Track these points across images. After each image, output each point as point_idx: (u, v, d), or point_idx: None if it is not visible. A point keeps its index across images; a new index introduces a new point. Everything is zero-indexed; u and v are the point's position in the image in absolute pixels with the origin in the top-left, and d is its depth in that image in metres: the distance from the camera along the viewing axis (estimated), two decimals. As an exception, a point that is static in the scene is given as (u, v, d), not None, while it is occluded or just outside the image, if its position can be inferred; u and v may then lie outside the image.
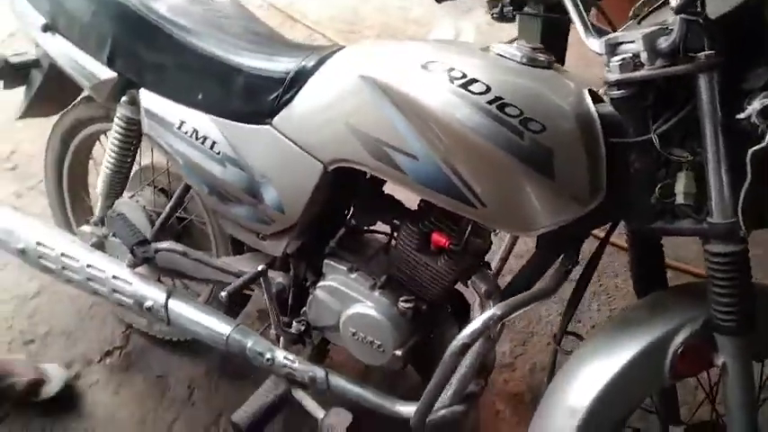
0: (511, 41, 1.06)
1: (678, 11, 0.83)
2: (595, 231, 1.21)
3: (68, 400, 1.72)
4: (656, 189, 0.94)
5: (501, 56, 1.03)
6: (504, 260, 1.42)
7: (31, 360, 1.80)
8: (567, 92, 0.98)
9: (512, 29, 1.27)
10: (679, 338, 0.97)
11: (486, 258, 1.26)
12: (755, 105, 0.82)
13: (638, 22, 1.00)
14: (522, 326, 1.96)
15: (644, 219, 0.97)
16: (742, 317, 0.92)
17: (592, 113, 0.96)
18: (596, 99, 1.00)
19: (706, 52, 0.85)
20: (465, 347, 1.06)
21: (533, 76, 1.00)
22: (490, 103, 0.96)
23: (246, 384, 1.44)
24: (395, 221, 1.29)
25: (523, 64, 1.02)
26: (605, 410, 1.00)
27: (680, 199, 0.92)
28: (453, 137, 0.99)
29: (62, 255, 1.55)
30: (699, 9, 0.82)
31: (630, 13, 1.02)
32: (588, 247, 1.19)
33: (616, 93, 0.93)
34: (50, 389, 1.70)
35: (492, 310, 1.05)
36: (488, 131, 0.96)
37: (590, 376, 1.01)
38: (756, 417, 0.97)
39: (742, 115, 0.83)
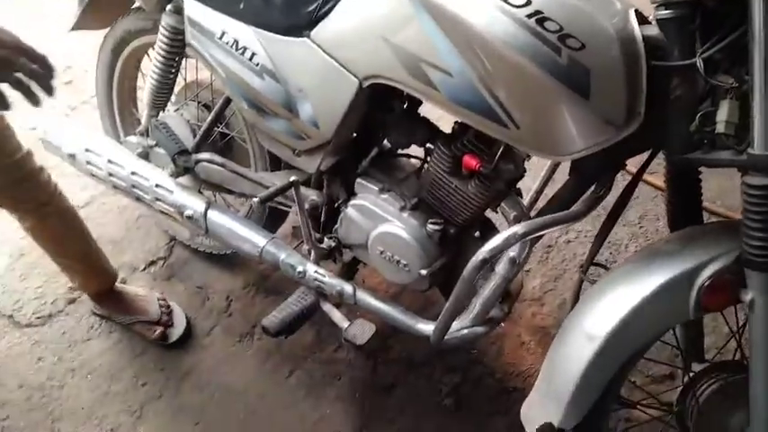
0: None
1: None
2: (630, 168, 1.18)
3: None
4: (697, 117, 0.90)
5: (546, -30, 0.99)
6: (538, 193, 1.39)
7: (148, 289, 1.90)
8: (612, 11, 0.94)
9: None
10: (707, 271, 0.94)
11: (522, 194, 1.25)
12: None
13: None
14: (556, 263, 1.94)
15: (682, 148, 0.93)
16: None
17: (635, 34, 0.92)
18: (643, 21, 0.95)
19: (763, -31, 0.79)
20: (484, 262, 1.06)
21: (577, -8, 0.96)
22: (529, 16, 0.92)
23: (281, 299, 1.50)
24: (428, 145, 1.28)
25: (569, -20, 0.97)
26: (624, 339, 0.99)
27: (720, 128, 0.88)
28: (489, 51, 0.96)
29: (109, 161, 1.60)
30: None
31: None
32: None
33: (663, 13, 0.89)
34: (175, 333, 1.78)
35: (514, 228, 1.04)
36: (525, 46, 0.93)
37: (612, 304, 1.00)
38: None
39: None
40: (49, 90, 1.04)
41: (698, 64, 0.87)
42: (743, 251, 0.92)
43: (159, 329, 1.75)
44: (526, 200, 1.37)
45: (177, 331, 1.78)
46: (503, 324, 1.74)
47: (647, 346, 1.05)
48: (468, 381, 1.65)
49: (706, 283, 0.94)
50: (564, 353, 1.05)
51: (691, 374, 1.16)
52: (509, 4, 0.94)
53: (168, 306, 1.81)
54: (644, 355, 1.07)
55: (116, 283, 1.80)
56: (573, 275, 1.90)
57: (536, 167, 1.50)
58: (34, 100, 1.03)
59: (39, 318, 1.85)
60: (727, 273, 0.94)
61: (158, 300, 1.80)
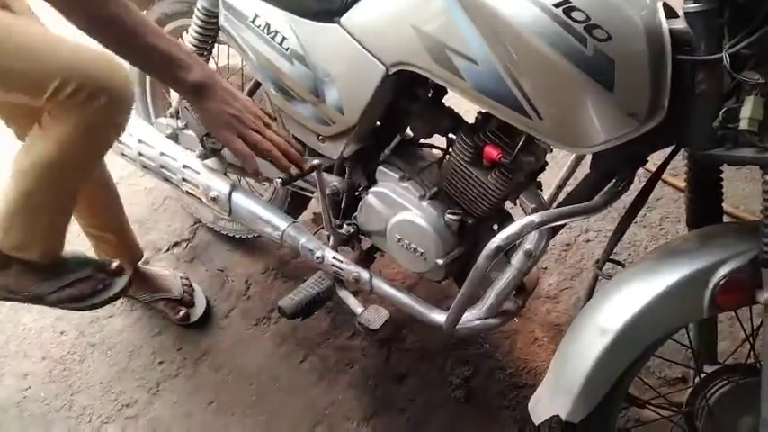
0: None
1: None
2: (649, 166, 1.18)
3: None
4: (721, 113, 0.89)
5: (576, -39, 0.99)
6: (560, 187, 1.39)
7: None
8: (640, 3, 0.93)
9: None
10: (723, 270, 0.93)
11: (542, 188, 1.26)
12: None
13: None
14: (574, 261, 1.94)
15: (704, 144, 0.93)
16: None
17: (663, 27, 0.91)
18: (671, 14, 0.95)
19: (794, -36, 0.79)
20: (498, 250, 1.07)
21: (606, -18, 0.96)
22: (557, 5, 0.92)
23: (299, 285, 1.53)
24: (451, 135, 1.29)
25: (599, -30, 0.97)
26: (637, 334, 0.99)
27: (744, 124, 0.87)
28: (516, 40, 0.97)
29: (139, 141, 1.64)
30: None
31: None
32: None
33: (692, 6, 0.88)
34: (195, 313, 1.82)
35: (531, 216, 1.05)
36: (551, 35, 0.93)
37: (625, 299, 1.00)
38: None
39: None
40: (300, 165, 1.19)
41: (724, 59, 0.86)
42: (760, 251, 0.91)
43: (183, 310, 1.79)
44: (547, 194, 1.37)
45: (198, 311, 1.82)
46: (516, 319, 1.75)
47: (660, 343, 1.04)
48: (479, 374, 1.66)
49: (721, 282, 0.94)
50: (575, 346, 1.05)
51: (702, 375, 1.15)
52: (537, -8, 0.95)
53: (191, 285, 1.84)
54: (655, 352, 1.07)
55: (139, 264, 1.82)
56: (590, 274, 1.88)
57: (559, 162, 1.50)
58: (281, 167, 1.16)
59: None
60: (743, 272, 0.93)
61: (181, 279, 1.84)
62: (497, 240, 1.06)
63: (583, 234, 2.01)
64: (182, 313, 1.78)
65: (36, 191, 1.30)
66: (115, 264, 1.52)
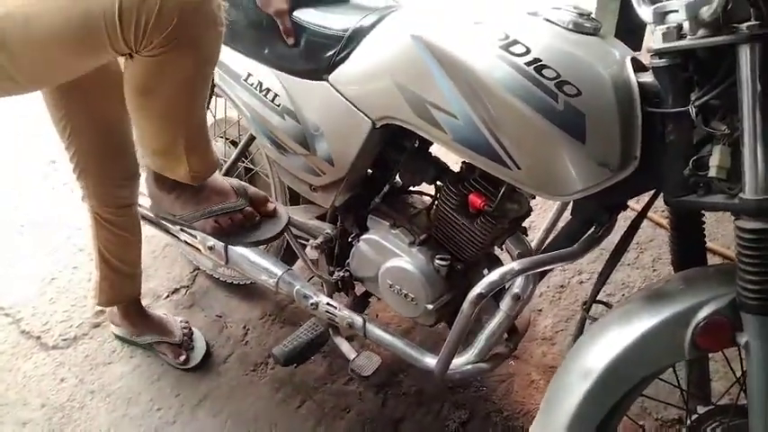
0: (558, 7, 1.07)
1: None
2: (634, 205, 1.21)
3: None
4: (691, 161, 0.93)
5: (548, 20, 1.05)
6: (548, 231, 1.42)
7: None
8: (608, 59, 0.99)
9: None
10: (703, 312, 0.95)
11: (531, 234, 1.29)
12: None
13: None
14: (568, 303, 1.96)
15: (677, 191, 0.96)
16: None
17: (631, 82, 0.96)
18: (641, 68, 1.00)
19: (749, 23, 0.83)
20: (480, 297, 1.10)
21: (576, 41, 1.01)
22: (528, 64, 0.98)
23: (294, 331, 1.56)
24: (438, 183, 1.33)
25: (569, 29, 1.02)
26: (619, 375, 1.01)
27: (713, 172, 0.90)
28: (491, 97, 1.01)
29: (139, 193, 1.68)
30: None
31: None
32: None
33: (658, 61, 0.93)
34: (195, 357, 1.83)
35: (511, 264, 1.08)
36: (524, 92, 0.98)
37: (609, 340, 1.01)
38: None
39: None
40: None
41: (690, 111, 0.91)
42: (738, 294, 0.93)
43: (184, 354, 1.81)
44: (535, 239, 1.40)
45: (198, 355, 1.83)
46: (512, 362, 1.76)
47: (646, 383, 1.05)
48: (475, 417, 1.66)
49: (701, 324, 0.95)
50: (562, 387, 1.06)
51: (695, 417, 1.16)
52: (510, 52, 1.00)
53: (190, 330, 1.87)
54: (643, 392, 1.08)
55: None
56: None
57: (548, 206, 1.53)
58: None
59: (64, 340, 1.92)
60: (723, 314, 0.94)
61: (180, 323, 1.86)
62: (479, 288, 1.09)
63: (576, 276, 2.03)
64: (182, 357, 1.80)
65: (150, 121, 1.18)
66: (272, 206, 1.35)
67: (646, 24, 1.51)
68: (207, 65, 1.12)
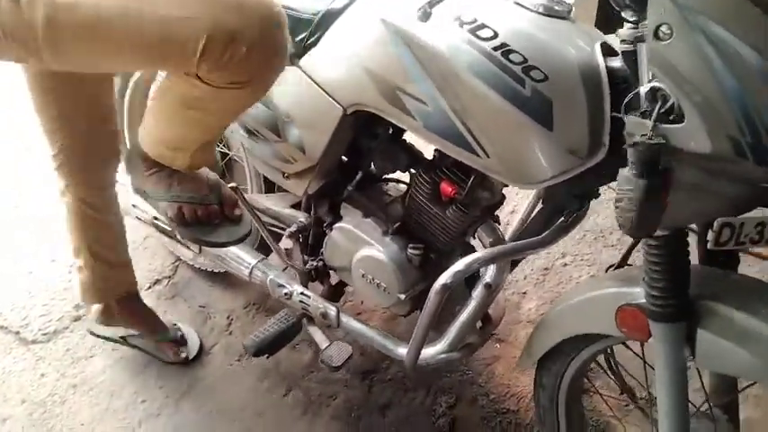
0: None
1: None
2: (608, 192, 1.19)
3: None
4: None
5: (518, 3, 1.02)
6: (523, 222, 1.40)
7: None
8: (577, 43, 0.96)
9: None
10: (630, 298, 0.99)
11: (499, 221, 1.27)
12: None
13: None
14: (552, 285, 1.95)
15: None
16: (671, 304, 0.93)
17: (599, 67, 0.93)
18: (611, 53, 0.97)
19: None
20: (445, 288, 1.09)
21: (545, 25, 0.98)
22: (495, 49, 0.95)
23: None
24: (411, 171, 1.31)
25: (539, 13, 0.99)
26: (563, 321, 1.13)
27: None
28: (458, 82, 0.99)
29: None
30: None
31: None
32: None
33: (626, 47, 0.90)
34: (189, 352, 1.81)
35: (477, 254, 1.06)
36: (491, 77, 0.95)
37: (567, 296, 1.14)
38: (686, 404, 0.98)
39: None
40: None
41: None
42: (645, 300, 0.95)
43: (184, 351, 1.79)
44: (511, 228, 1.38)
45: (193, 348, 1.82)
46: (498, 345, 1.77)
47: (589, 340, 1.14)
48: (462, 401, 1.67)
49: (623, 306, 0.99)
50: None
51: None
52: (477, 36, 0.97)
53: (175, 324, 1.85)
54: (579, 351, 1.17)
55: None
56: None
57: (526, 195, 1.51)
58: None
59: (44, 334, 1.90)
60: (640, 307, 0.97)
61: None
62: (444, 278, 1.08)
63: (561, 258, 2.02)
64: (182, 355, 1.79)
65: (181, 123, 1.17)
66: (238, 212, 1.36)
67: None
68: (262, 95, 1.13)
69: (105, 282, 1.69)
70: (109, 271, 1.68)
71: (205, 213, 1.29)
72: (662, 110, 0.78)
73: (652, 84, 0.79)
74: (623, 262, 1.22)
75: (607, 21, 1.05)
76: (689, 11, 0.73)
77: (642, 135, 0.77)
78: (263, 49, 0.98)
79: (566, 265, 1.99)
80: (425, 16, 0.86)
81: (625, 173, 0.78)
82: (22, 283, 2.05)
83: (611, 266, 1.21)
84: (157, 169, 1.28)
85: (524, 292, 1.92)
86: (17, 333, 1.91)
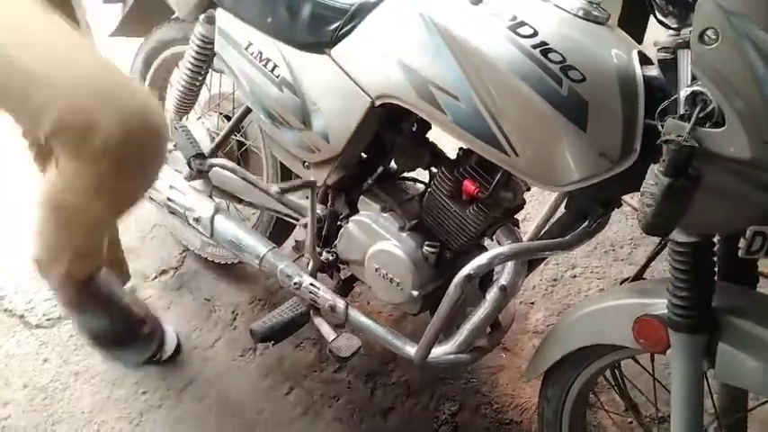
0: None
1: None
2: (630, 200, 1.19)
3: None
4: None
5: (557, 6, 1.01)
6: (540, 228, 1.39)
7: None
8: (615, 49, 0.95)
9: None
10: (648, 310, 0.98)
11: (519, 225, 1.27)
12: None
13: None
14: (560, 296, 1.94)
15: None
16: (694, 315, 0.92)
17: (636, 74, 0.93)
18: (647, 62, 0.97)
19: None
20: (467, 278, 1.08)
21: (584, 28, 0.98)
22: (535, 47, 0.95)
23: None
24: (433, 168, 1.30)
25: (577, 16, 0.99)
26: (575, 333, 1.12)
27: None
28: (495, 77, 0.99)
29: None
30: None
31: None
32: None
33: (663, 55, 0.90)
34: (165, 352, 1.76)
35: (500, 248, 1.05)
36: (529, 74, 0.95)
37: (581, 305, 1.14)
38: (701, 418, 0.97)
39: None
40: None
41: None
42: (668, 308, 0.94)
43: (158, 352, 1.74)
44: (528, 232, 1.37)
45: (168, 348, 1.77)
46: (503, 354, 1.76)
47: (597, 357, 1.14)
48: (465, 409, 1.65)
49: (641, 317, 0.98)
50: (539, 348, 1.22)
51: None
52: (517, 34, 0.97)
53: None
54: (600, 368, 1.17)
55: None
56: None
57: (544, 200, 1.51)
58: None
59: (48, 320, 1.87)
60: (662, 319, 0.96)
61: None
62: (467, 269, 1.07)
63: (570, 270, 2.02)
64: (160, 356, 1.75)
65: (49, 224, 1.15)
66: (146, 330, 1.47)
67: (648, 17, 1.49)
68: (121, 211, 1.07)
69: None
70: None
71: (115, 338, 1.42)
72: (701, 114, 0.78)
73: (693, 87, 0.79)
74: (638, 276, 1.21)
75: (631, 22, 1.07)
76: (735, 16, 0.73)
77: (678, 135, 0.76)
78: (124, 154, 0.86)
79: (575, 276, 1.99)
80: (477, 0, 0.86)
81: (654, 168, 0.78)
82: (27, 266, 1.99)
83: (626, 279, 1.20)
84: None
85: (532, 303, 1.91)
86: (21, 317, 1.88)
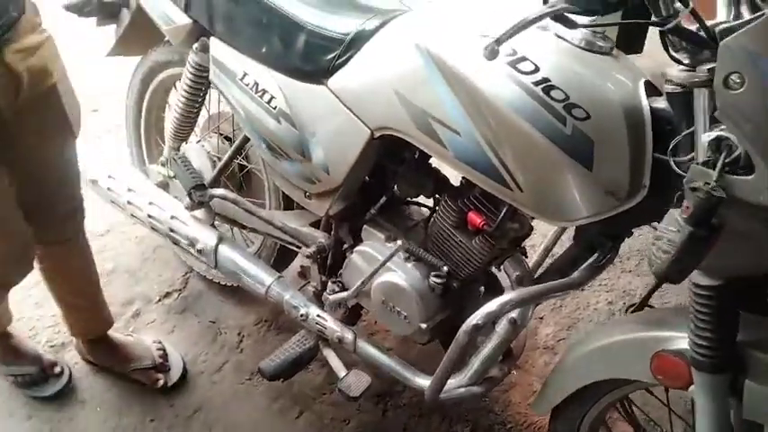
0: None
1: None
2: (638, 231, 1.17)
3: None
4: None
5: (559, 36, 0.98)
6: (546, 251, 1.37)
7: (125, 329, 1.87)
8: (621, 82, 0.93)
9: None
10: (667, 345, 0.96)
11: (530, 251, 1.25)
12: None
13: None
14: (570, 311, 1.92)
15: (686, 223, 0.91)
16: (718, 355, 0.89)
17: (643, 108, 0.91)
18: (654, 92, 0.94)
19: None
20: (476, 328, 1.05)
21: (587, 61, 0.95)
22: (536, 84, 0.92)
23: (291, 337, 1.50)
24: (437, 196, 1.28)
25: (580, 47, 0.96)
26: (590, 367, 1.08)
27: None
28: (496, 115, 0.96)
29: (128, 189, 1.64)
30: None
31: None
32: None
33: (672, 87, 0.87)
34: (171, 377, 1.73)
35: (509, 295, 1.03)
36: (531, 113, 0.93)
37: (593, 337, 1.10)
38: None
39: None
40: None
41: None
42: (690, 349, 0.92)
43: (160, 378, 1.72)
44: (533, 258, 1.35)
45: (175, 374, 1.75)
46: (515, 372, 1.73)
47: (611, 391, 1.12)
48: (478, 430, 1.63)
49: (660, 353, 0.96)
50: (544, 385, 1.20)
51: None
52: (518, 70, 0.94)
53: (164, 350, 1.77)
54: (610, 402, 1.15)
55: (109, 333, 1.75)
56: (586, 325, 1.89)
57: (546, 225, 1.48)
58: None
59: (52, 346, 1.83)
60: (683, 355, 0.93)
61: (154, 343, 1.77)
62: (476, 319, 1.05)
63: (578, 283, 1.99)
64: (160, 382, 1.72)
65: None
66: (57, 369, 1.68)
67: (647, 28, 1.45)
68: None
69: (76, 321, 1.70)
70: (78, 314, 1.68)
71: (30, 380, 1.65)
72: (727, 159, 0.75)
73: (716, 132, 0.76)
74: (644, 303, 1.18)
75: (628, 42, 1.04)
76: (762, 60, 0.70)
77: (705, 183, 0.73)
78: None
79: (583, 290, 1.96)
80: (493, 54, 0.82)
81: (675, 214, 0.76)
82: (29, 292, 1.95)
83: (630, 307, 1.18)
84: None
85: (541, 317, 1.88)
86: None
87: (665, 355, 0.94)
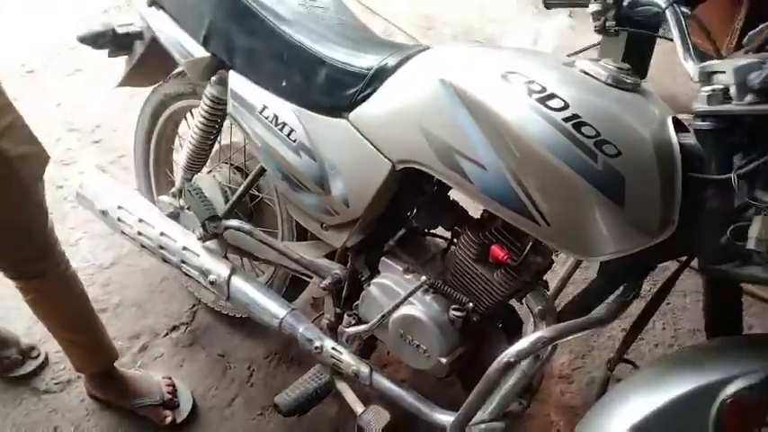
0: (596, 59, 1.02)
1: None
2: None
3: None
4: (729, 230, 0.88)
5: (585, 72, 1.01)
6: (564, 281, 1.37)
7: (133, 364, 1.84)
8: (650, 118, 0.95)
9: (593, 33, 1.21)
10: (732, 388, 0.90)
11: (546, 278, 1.24)
12: None
13: (746, 53, 0.93)
14: (584, 338, 1.91)
15: (713, 259, 0.92)
16: None
17: (672, 144, 0.92)
18: (681, 127, 0.96)
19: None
20: (509, 365, 1.04)
21: (615, 97, 0.97)
22: (566, 120, 0.94)
23: (303, 370, 1.44)
24: (456, 228, 1.28)
25: (608, 84, 0.98)
26: None
27: (751, 244, 0.85)
28: (524, 151, 0.97)
29: (139, 220, 1.63)
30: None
31: (744, 40, 0.95)
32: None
33: (701, 124, 0.89)
34: (181, 414, 1.71)
35: (541, 332, 1.03)
36: (561, 149, 0.94)
37: (632, 406, 0.96)
38: None
39: None
40: None
41: (733, 179, 0.86)
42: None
43: (169, 415, 1.68)
44: (552, 286, 1.35)
45: (184, 410, 1.72)
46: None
47: None
48: (496, 463, 1.60)
49: (728, 400, 0.89)
50: None
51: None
52: (547, 106, 0.95)
53: (173, 385, 1.74)
54: None
55: (116, 367, 1.71)
56: (601, 353, 1.87)
57: (561, 255, 1.48)
58: None
59: (57, 383, 1.79)
60: (753, 392, 0.89)
61: (163, 379, 1.74)
62: (509, 356, 1.04)
63: (594, 311, 1.99)
64: (168, 419, 1.68)
65: None
66: (35, 353, 1.78)
67: (651, 52, 1.48)
68: None
69: (77, 355, 1.66)
70: (77, 349, 1.65)
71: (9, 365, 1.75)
72: None
73: None
74: (622, 354, 1.17)
75: (635, 57, 1.06)
76: None
77: None
78: None
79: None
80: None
81: None
82: (33, 327, 1.88)
83: (608, 362, 1.16)
84: None
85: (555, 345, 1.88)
86: (28, 382, 1.79)
87: (737, 397, 0.88)
